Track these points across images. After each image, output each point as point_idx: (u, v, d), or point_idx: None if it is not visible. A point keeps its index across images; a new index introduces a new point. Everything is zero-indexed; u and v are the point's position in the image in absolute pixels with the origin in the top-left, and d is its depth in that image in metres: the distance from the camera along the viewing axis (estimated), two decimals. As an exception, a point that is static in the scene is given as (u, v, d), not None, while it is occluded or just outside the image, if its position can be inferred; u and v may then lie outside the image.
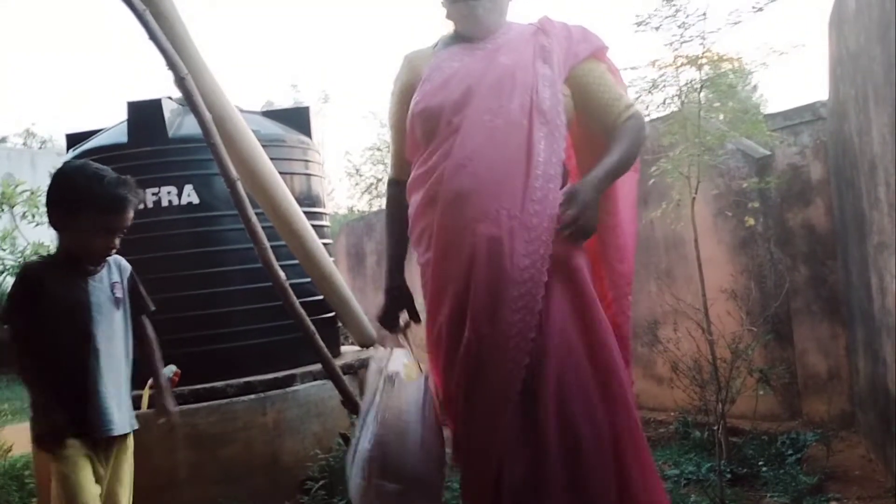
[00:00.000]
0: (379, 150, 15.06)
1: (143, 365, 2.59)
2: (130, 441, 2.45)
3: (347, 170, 15.90)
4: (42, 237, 9.31)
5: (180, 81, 2.88)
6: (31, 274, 2.31)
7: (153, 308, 2.60)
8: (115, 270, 2.44)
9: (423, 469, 2.08)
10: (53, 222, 2.29)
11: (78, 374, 2.27)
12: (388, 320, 2.37)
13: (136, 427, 2.47)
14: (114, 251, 2.32)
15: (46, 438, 2.27)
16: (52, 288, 2.27)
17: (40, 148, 20.45)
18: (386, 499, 2.05)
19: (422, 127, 2.21)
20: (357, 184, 15.76)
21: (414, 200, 2.25)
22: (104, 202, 2.22)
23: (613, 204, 2.28)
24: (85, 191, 2.22)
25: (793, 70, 21.51)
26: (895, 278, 2.97)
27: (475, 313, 2.01)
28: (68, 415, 2.24)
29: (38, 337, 2.25)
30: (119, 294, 2.41)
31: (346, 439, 4.07)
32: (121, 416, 2.35)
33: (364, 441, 2.11)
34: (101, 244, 2.29)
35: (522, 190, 2.02)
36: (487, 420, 2.02)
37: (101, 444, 2.33)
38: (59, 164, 5.55)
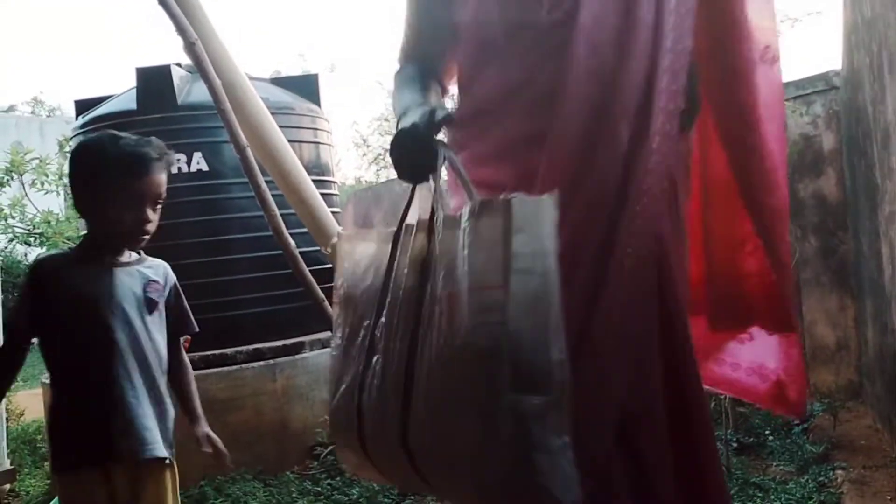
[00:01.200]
0: (386, 120, 14.99)
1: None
2: (170, 476, 1.95)
3: (354, 140, 15.85)
4: (51, 205, 9.35)
5: (190, 47, 2.86)
6: (44, 268, 1.90)
7: (196, 330, 2.15)
8: (160, 272, 2.01)
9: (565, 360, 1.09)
10: (79, 207, 1.92)
11: (102, 380, 1.83)
12: (426, 144, 1.29)
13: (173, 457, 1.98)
14: (150, 227, 1.88)
15: (59, 458, 1.89)
16: (69, 282, 1.85)
17: (48, 116, 20.44)
18: (525, 422, 1.07)
19: (503, 22, 1.48)
20: (364, 154, 15.71)
21: (491, 138, 1.51)
22: (123, 163, 1.83)
23: (752, 113, 1.61)
24: (100, 155, 1.86)
25: (806, 39, 21.22)
26: (906, 248, 2.96)
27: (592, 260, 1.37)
28: (91, 433, 1.83)
29: (55, 339, 1.87)
30: (154, 296, 1.95)
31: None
32: (154, 438, 1.87)
33: (442, 337, 1.15)
34: (133, 218, 1.84)
35: (648, 91, 1.39)
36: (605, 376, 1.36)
37: (129, 472, 1.85)
38: (67, 132, 5.52)
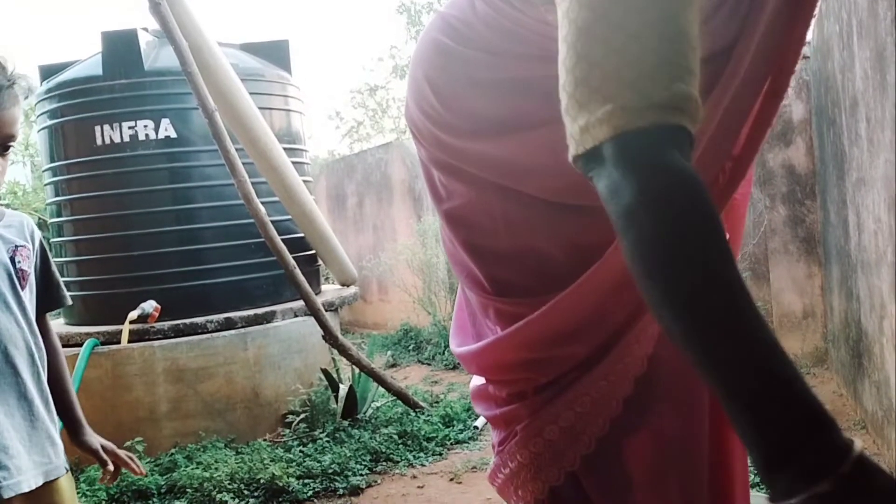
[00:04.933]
0: (360, 93, 14.88)
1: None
2: (64, 490, 1.50)
3: (328, 113, 15.73)
4: (17, 176, 9.19)
5: (155, 7, 2.81)
6: None
7: (69, 303, 1.68)
8: (24, 231, 1.52)
9: None
10: None
11: None
12: None
13: (66, 471, 1.52)
14: None
15: None
16: None
17: (13, 87, 20.02)
18: None
19: None
20: (338, 127, 15.61)
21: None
22: None
23: None
24: None
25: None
26: (871, 214, 3.00)
27: None
28: None
29: None
30: (25, 265, 1.48)
31: (328, 375, 4.11)
32: (32, 460, 1.42)
33: None
34: None
35: None
36: None
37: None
38: (32, 100, 5.44)
